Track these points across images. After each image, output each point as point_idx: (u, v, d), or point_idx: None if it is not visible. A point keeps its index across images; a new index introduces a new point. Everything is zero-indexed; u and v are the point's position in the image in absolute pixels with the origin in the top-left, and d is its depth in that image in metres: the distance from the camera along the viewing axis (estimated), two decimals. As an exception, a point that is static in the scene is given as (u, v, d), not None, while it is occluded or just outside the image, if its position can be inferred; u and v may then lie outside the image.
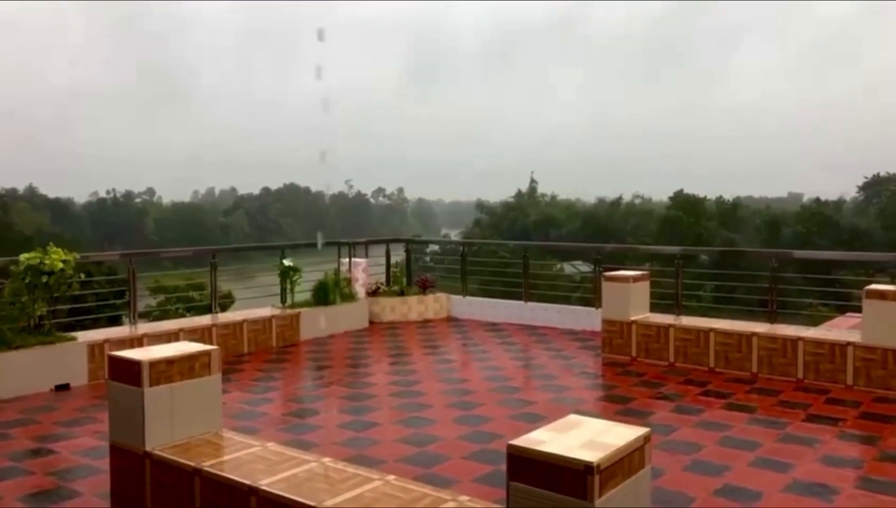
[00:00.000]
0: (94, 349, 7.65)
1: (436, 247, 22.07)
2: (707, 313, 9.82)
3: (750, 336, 7.71)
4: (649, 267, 14.33)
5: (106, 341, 7.76)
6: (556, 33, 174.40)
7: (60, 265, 7.37)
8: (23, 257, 7.35)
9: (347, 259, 11.08)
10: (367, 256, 11.55)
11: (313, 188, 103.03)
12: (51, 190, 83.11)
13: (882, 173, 58.64)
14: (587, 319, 10.17)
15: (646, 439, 2.99)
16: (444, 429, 6.04)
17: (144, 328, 8.57)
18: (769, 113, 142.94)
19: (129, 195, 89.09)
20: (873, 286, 7.28)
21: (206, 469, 3.83)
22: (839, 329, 8.64)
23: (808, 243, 43.73)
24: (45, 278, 7.28)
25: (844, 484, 4.81)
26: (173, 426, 4.18)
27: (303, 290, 10.21)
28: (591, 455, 2.71)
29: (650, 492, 3.11)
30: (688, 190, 53.11)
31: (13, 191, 77.81)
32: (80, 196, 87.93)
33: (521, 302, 11.03)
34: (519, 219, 58.44)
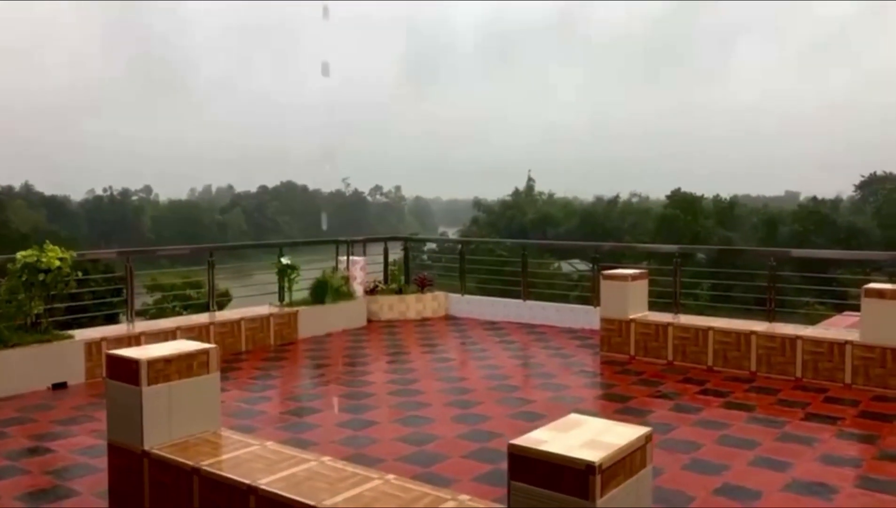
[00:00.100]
0: (92, 347, 7.62)
1: (433, 245, 22.06)
2: (704, 312, 9.83)
3: (748, 335, 7.71)
4: (646, 265, 14.34)
5: (103, 339, 7.74)
6: (556, 32, 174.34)
7: (57, 263, 7.34)
8: (19, 254, 7.33)
9: (345, 257, 11.06)
10: (364, 254, 11.53)
11: (311, 186, 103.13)
12: (47, 188, 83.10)
13: (879, 172, 58.78)
14: (585, 317, 10.17)
15: (647, 438, 2.98)
16: (443, 428, 6.03)
17: (142, 326, 8.54)
18: (767, 112, 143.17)
19: (125, 193, 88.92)
20: (872, 285, 7.28)
21: (204, 468, 3.81)
22: (837, 328, 8.65)
23: (805, 241, 43.81)
24: (41, 276, 7.25)
25: (844, 483, 4.80)
26: (171, 425, 4.16)
27: (301, 288, 10.20)
28: (593, 455, 2.70)
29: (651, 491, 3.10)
30: (685, 189, 53.21)
31: (9, 188, 77.60)
32: (77, 194, 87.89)
33: (520, 301, 11.02)
34: (516, 217, 58.49)
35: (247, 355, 8.84)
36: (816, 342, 7.35)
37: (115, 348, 6.58)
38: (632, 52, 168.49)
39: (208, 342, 8.02)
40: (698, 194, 52.77)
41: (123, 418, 4.14)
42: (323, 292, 10.18)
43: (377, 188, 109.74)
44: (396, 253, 12.62)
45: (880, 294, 7.05)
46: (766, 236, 47.62)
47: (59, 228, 60.77)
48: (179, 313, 12.08)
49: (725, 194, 54.16)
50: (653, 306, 8.90)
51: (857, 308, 7.57)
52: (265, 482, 3.60)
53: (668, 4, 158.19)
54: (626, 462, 2.83)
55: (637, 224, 54.00)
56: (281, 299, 10.00)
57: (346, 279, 10.74)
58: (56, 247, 7.52)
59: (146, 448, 4.05)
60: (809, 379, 7.33)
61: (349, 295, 10.62)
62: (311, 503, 3.37)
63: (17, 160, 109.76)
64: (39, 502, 4.60)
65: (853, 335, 7.27)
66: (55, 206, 79.14)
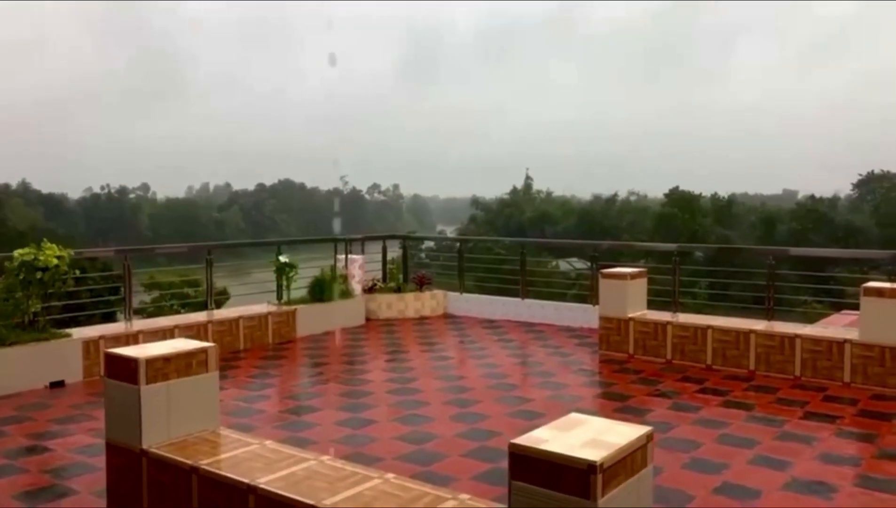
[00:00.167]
0: (89, 345, 7.60)
1: (431, 244, 22.05)
2: (702, 310, 9.82)
3: (748, 333, 7.71)
4: (644, 264, 14.34)
5: (101, 337, 7.72)
6: (555, 31, 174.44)
7: (55, 262, 7.31)
8: (17, 253, 7.30)
9: (344, 256, 11.04)
10: (363, 252, 11.51)
11: (308, 184, 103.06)
12: (44, 185, 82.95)
13: (877, 171, 58.81)
14: (584, 316, 10.16)
15: (648, 437, 2.97)
16: (442, 426, 6.02)
17: (139, 324, 8.52)
18: (765, 111, 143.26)
19: (123, 191, 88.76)
20: (871, 284, 7.29)
21: (203, 467, 3.79)
22: (836, 327, 8.66)
23: (803, 240, 43.83)
24: (39, 275, 7.22)
25: (843, 482, 4.80)
26: (170, 424, 4.14)
27: (299, 287, 10.18)
28: (594, 454, 2.69)
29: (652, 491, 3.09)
30: (683, 187, 53.21)
31: (6, 186, 77.41)
32: (74, 192, 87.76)
33: (518, 299, 11.00)
34: (514, 216, 58.43)
35: (245, 353, 8.83)
36: (815, 340, 7.35)
37: (113, 346, 6.55)
38: (631, 51, 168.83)
39: (206, 340, 8.01)
40: (696, 192, 52.79)
41: (122, 417, 4.13)
42: (321, 290, 10.17)
43: (375, 186, 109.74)
44: (395, 251, 12.61)
45: (879, 293, 7.05)
46: (763, 235, 47.65)
47: (56, 226, 60.67)
48: (177, 312, 12.07)
49: (723, 193, 54.22)
50: (651, 305, 8.90)
51: (854, 307, 7.58)
52: (264, 481, 3.58)
53: (668, 4, 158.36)
54: (628, 462, 2.82)
55: (635, 223, 53.99)
56: (279, 297, 9.98)
57: (345, 278, 10.72)
58: (54, 245, 7.49)
59: (145, 446, 4.03)
60: (808, 378, 7.33)
61: (348, 294, 10.60)
62: (311, 502, 3.35)
63: (15, 158, 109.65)
64: (37, 501, 4.59)
65: (852, 334, 7.27)
66: (52, 204, 79.00)
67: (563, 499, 2.69)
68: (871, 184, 58.28)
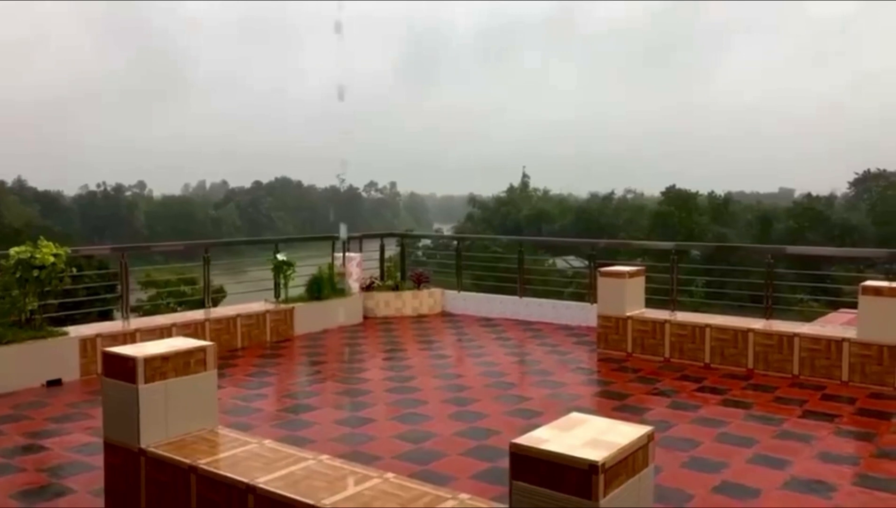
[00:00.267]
0: (86, 343, 7.57)
1: (428, 242, 22.04)
2: (698, 308, 9.83)
3: (746, 332, 7.71)
4: (640, 262, 14.34)
5: (98, 336, 7.69)
6: (554, 31, 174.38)
7: (52, 260, 7.28)
8: (13, 251, 7.26)
9: (341, 254, 11.02)
10: (360, 250, 11.49)
11: (305, 182, 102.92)
12: (40, 183, 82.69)
13: (873, 169, 58.92)
14: (582, 314, 10.16)
15: (649, 437, 2.96)
16: (441, 425, 6.01)
17: (137, 322, 8.50)
18: (762, 110, 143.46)
19: (119, 188, 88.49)
20: (869, 283, 7.29)
21: (202, 466, 3.78)
22: (834, 325, 8.66)
23: (800, 238, 43.86)
24: (36, 273, 7.19)
25: (842, 481, 4.81)
26: (168, 423, 4.12)
27: (296, 285, 10.16)
28: (596, 454, 2.68)
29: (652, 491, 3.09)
30: (680, 185, 53.25)
31: (2, 183, 77.17)
32: (70, 189, 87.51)
33: (516, 297, 11.00)
34: (511, 214, 58.40)
35: (243, 351, 8.80)
36: (814, 339, 7.36)
37: (111, 344, 6.54)
38: (629, 50, 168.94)
39: (204, 338, 8.00)
40: (693, 190, 52.83)
41: (120, 416, 4.11)
42: (319, 288, 10.15)
43: (372, 184, 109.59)
44: (392, 250, 12.59)
45: (877, 292, 7.06)
46: (760, 233, 47.70)
47: (52, 223, 60.46)
48: (174, 310, 12.03)
49: (720, 191, 54.27)
50: (648, 303, 8.89)
51: (851, 305, 7.58)
52: (263, 480, 3.57)
53: (668, 4, 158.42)
54: (629, 462, 2.81)
55: (632, 221, 54.00)
56: (277, 295, 9.95)
57: (343, 276, 10.70)
58: (50, 243, 7.46)
59: (143, 446, 4.01)
60: (806, 376, 7.34)
61: (345, 292, 10.58)
62: (310, 502, 3.34)
63: (10, 155, 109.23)
64: (35, 500, 4.57)
65: (850, 333, 7.28)
66: (48, 201, 78.73)
67: (564, 499, 2.68)
68: (867, 182, 58.38)
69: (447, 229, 59.79)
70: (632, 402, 6.69)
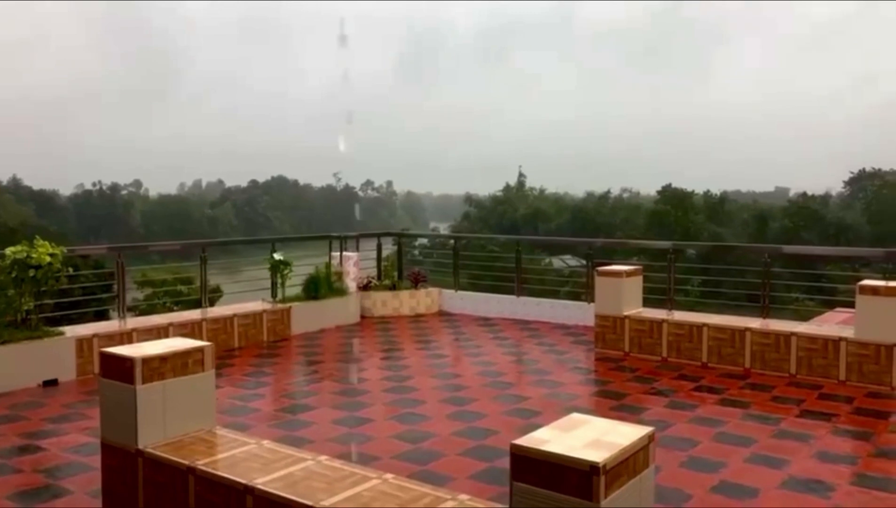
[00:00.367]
0: (83, 343, 7.55)
1: (425, 240, 22.01)
2: (694, 307, 9.83)
3: (743, 331, 7.71)
4: (636, 261, 14.35)
5: (94, 335, 7.66)
6: (553, 30, 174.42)
7: (48, 259, 7.25)
8: (9, 250, 7.23)
9: (338, 253, 11.00)
10: (357, 249, 11.47)
11: (301, 181, 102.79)
12: (35, 182, 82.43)
13: (867, 169, 59.09)
14: (579, 313, 10.16)
15: (650, 438, 2.96)
16: (439, 425, 6.00)
17: (133, 322, 8.47)
18: (758, 110, 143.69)
19: (115, 187, 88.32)
20: (866, 282, 7.30)
21: (200, 467, 3.76)
22: (830, 325, 8.67)
23: (795, 237, 44.01)
24: (32, 273, 7.16)
25: (840, 481, 4.81)
26: (166, 424, 4.11)
27: (293, 284, 10.14)
28: (597, 455, 2.67)
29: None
30: (676, 185, 53.34)
31: (-3, 183, 77.06)
32: (66, 188, 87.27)
33: (513, 297, 10.99)
34: (507, 213, 58.46)
35: (239, 351, 8.78)
36: (811, 338, 7.36)
37: (107, 344, 6.51)
38: (625, 50, 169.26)
39: (201, 338, 7.98)
40: (689, 189, 52.93)
41: (117, 416, 4.09)
42: (316, 288, 10.13)
43: (368, 183, 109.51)
44: (388, 249, 12.58)
45: (874, 291, 7.06)
46: (756, 232, 47.83)
47: (47, 222, 60.33)
48: (170, 309, 12.00)
49: (716, 190, 54.40)
50: (644, 303, 8.89)
51: (846, 304, 7.59)
52: (262, 481, 3.56)
53: (668, 4, 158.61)
54: (630, 463, 2.81)
55: (628, 220, 54.08)
56: (274, 295, 9.93)
57: (340, 275, 10.68)
58: (46, 242, 7.43)
59: (140, 447, 4.00)
60: (804, 376, 7.35)
61: (342, 291, 10.57)
62: (309, 503, 3.33)
63: (5, 154, 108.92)
64: (32, 501, 4.54)
65: (847, 332, 7.29)
66: (44, 200, 78.52)
67: (564, 500, 2.67)
68: (862, 182, 58.59)
69: (444, 229, 59.75)
70: (629, 402, 6.69)
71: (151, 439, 4.04)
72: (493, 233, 47.99)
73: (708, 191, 53.71)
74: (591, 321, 9.02)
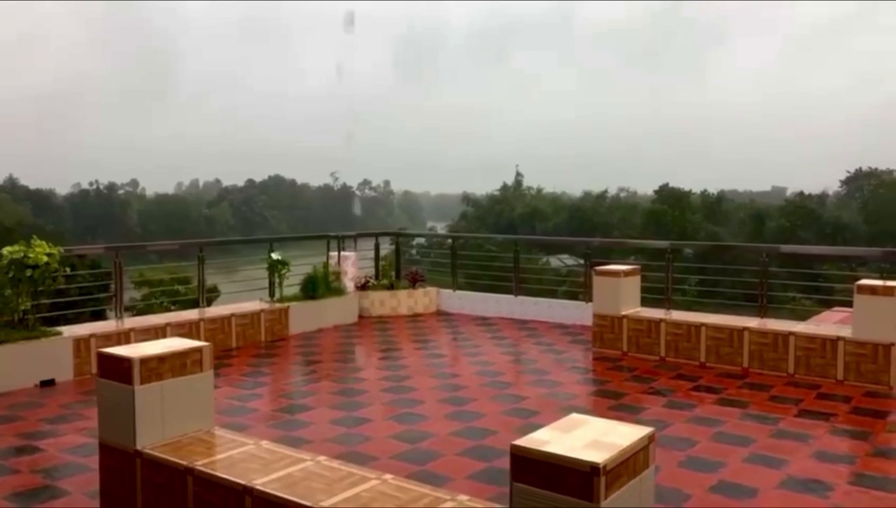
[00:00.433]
0: (80, 343, 7.53)
1: (422, 240, 21.99)
2: (692, 307, 9.83)
3: (741, 331, 7.72)
4: (634, 260, 14.34)
5: (92, 335, 7.64)
6: (553, 30, 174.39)
7: (45, 259, 7.23)
8: (6, 250, 7.21)
9: (336, 253, 10.99)
10: (355, 249, 11.46)
11: (299, 180, 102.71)
12: (32, 181, 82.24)
13: (864, 168, 59.17)
14: (577, 313, 10.16)
15: (650, 438, 2.96)
16: (437, 425, 5.99)
17: (131, 322, 8.45)
18: (755, 109, 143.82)
19: (112, 187, 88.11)
20: (864, 282, 7.31)
21: (198, 468, 3.75)
22: (828, 324, 8.68)
23: (792, 236, 44.05)
24: (29, 272, 7.14)
25: (839, 480, 4.81)
26: (164, 425, 4.10)
27: (291, 284, 10.12)
28: (597, 456, 2.67)
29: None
30: (673, 184, 53.36)
31: (-6, 182, 76.89)
32: (62, 187, 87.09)
33: (511, 296, 10.99)
34: (505, 212, 58.41)
35: (237, 351, 8.77)
36: (809, 338, 7.37)
37: (105, 344, 6.50)
38: (625, 50, 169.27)
39: (198, 338, 7.97)
40: (686, 189, 52.95)
41: (115, 417, 4.08)
42: (314, 287, 10.12)
43: (366, 183, 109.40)
44: (386, 248, 12.56)
45: (872, 291, 7.07)
46: (753, 232, 47.86)
47: (44, 222, 60.21)
48: (167, 309, 11.99)
49: (713, 190, 54.41)
50: (642, 302, 8.89)
51: (843, 304, 7.59)
52: (261, 482, 3.55)
53: (669, 4, 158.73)
54: (630, 463, 2.80)
55: (625, 219, 54.08)
56: (271, 295, 9.92)
57: (337, 275, 10.67)
58: (43, 242, 7.40)
59: (139, 447, 3.99)
60: (802, 375, 7.35)
61: (340, 291, 10.56)
62: (308, 503, 3.32)
63: (2, 154, 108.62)
64: (29, 502, 4.53)
65: (845, 331, 7.29)
66: (40, 200, 78.32)
67: (565, 501, 2.67)
68: (858, 181, 58.65)
69: (441, 228, 59.75)
70: (628, 401, 6.69)
71: (150, 439, 4.03)
72: (491, 232, 47.97)
73: (705, 190, 53.74)
74: (588, 321, 9.02)
